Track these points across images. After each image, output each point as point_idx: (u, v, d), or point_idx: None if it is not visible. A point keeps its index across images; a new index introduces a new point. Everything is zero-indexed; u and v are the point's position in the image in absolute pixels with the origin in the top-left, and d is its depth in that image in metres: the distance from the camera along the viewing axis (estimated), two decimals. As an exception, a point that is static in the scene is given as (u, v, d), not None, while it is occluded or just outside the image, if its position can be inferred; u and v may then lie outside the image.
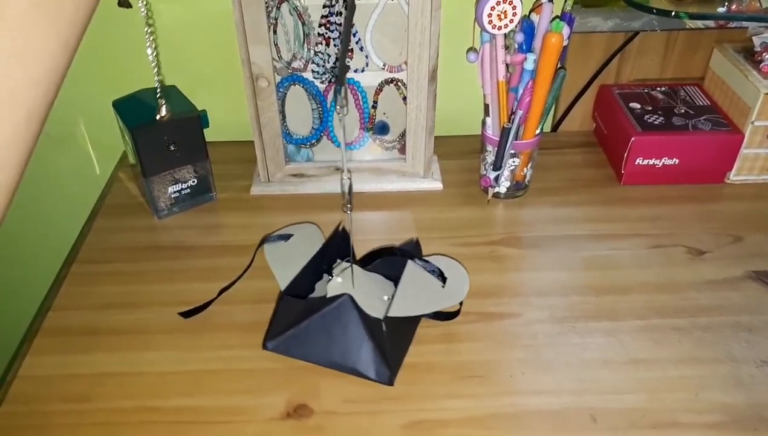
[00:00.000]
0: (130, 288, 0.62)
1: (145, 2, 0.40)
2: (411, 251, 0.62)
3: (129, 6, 0.43)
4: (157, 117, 0.47)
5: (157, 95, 0.46)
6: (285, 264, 0.59)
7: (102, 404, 0.52)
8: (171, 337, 0.57)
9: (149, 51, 0.43)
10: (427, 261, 0.59)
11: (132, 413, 0.51)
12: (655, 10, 0.66)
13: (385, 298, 0.58)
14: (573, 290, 0.61)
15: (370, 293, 0.58)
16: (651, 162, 0.72)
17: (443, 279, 0.57)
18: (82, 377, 0.54)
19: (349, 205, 0.52)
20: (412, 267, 0.58)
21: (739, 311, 0.58)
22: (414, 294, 0.55)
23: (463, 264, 0.60)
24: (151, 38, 0.44)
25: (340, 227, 0.62)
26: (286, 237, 0.62)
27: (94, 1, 0.29)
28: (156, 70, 0.46)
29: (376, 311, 0.54)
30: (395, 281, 0.60)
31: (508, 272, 0.63)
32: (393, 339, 0.53)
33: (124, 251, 0.67)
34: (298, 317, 0.54)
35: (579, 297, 0.60)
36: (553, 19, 0.62)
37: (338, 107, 0.47)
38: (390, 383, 0.52)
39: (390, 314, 0.53)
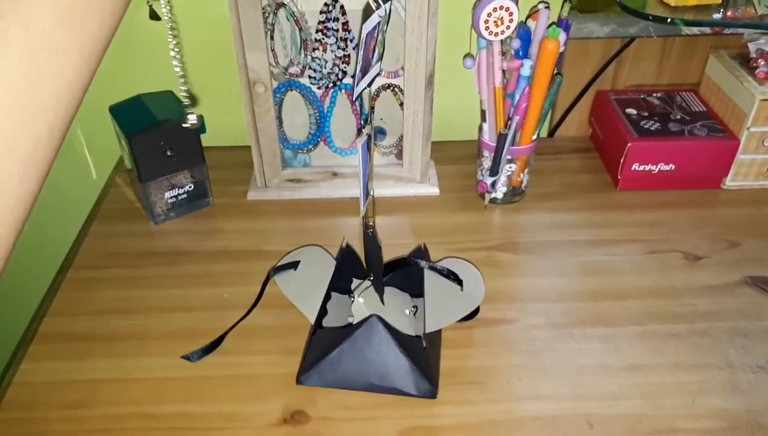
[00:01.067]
0: (126, 294, 0.62)
1: (170, 16, 0.40)
2: (421, 258, 0.61)
3: (158, 18, 0.42)
4: (187, 125, 0.47)
5: (184, 104, 0.47)
6: (304, 294, 0.57)
7: (98, 410, 0.52)
8: (168, 343, 0.57)
9: (175, 63, 0.43)
10: (440, 267, 0.59)
11: (128, 419, 0.51)
12: (651, 17, 0.67)
13: (407, 311, 0.58)
14: (570, 296, 0.61)
15: (391, 309, 0.58)
16: (647, 168, 0.72)
17: (459, 282, 0.57)
18: (78, 383, 0.54)
19: (371, 225, 0.52)
20: (429, 276, 0.58)
21: (736, 316, 0.58)
22: (441, 304, 0.55)
23: (472, 263, 0.60)
24: (176, 49, 0.43)
25: (344, 244, 0.62)
26: (295, 265, 0.60)
27: (118, 17, 0.28)
28: (182, 80, 0.46)
29: (402, 327, 0.54)
30: (410, 292, 0.60)
31: (505, 278, 0.63)
32: (429, 351, 0.53)
33: (120, 256, 0.67)
34: (328, 346, 0.53)
35: (576, 303, 0.60)
36: (550, 25, 0.63)
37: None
38: (434, 396, 0.52)
39: (428, 330, 0.53)
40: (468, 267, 0.60)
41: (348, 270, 0.60)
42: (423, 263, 0.59)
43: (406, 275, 0.59)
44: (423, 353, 0.53)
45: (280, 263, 0.60)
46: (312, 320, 0.53)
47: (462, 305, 0.56)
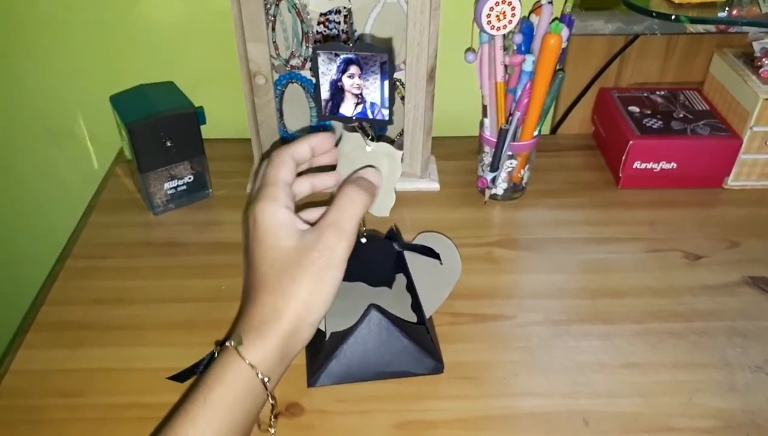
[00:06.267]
0: (124, 284, 0.62)
1: None
2: (396, 241, 0.61)
3: None
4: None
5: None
6: None
7: (94, 399, 0.52)
8: (164, 333, 0.57)
9: None
10: (415, 245, 0.59)
11: (124, 409, 0.51)
12: (654, 14, 0.66)
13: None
14: (568, 293, 0.61)
15: (384, 295, 0.59)
16: (649, 166, 0.72)
17: (436, 256, 0.58)
18: (74, 372, 0.54)
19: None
20: (410, 258, 0.58)
21: (735, 316, 0.58)
22: (429, 284, 0.56)
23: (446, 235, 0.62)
24: None
25: None
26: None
27: None
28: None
29: (399, 309, 0.55)
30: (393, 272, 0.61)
31: (504, 274, 0.63)
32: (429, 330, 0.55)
33: (119, 246, 0.67)
34: (333, 346, 0.53)
35: (574, 300, 0.60)
36: (553, 20, 0.62)
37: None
38: (441, 371, 0.53)
39: (428, 315, 0.54)
40: (440, 239, 0.60)
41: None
42: (397, 246, 0.59)
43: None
44: (423, 333, 0.54)
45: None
46: (322, 326, 0.53)
47: (446, 279, 0.58)
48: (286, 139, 0.74)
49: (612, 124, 0.76)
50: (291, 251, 0.41)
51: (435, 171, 0.76)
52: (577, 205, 0.72)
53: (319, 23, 0.66)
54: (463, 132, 0.82)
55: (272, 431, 0.44)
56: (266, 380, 0.40)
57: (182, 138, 0.67)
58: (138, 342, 0.56)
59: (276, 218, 0.42)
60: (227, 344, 0.41)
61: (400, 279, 0.60)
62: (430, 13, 0.62)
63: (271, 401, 0.42)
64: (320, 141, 0.47)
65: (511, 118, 0.66)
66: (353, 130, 0.48)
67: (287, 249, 0.41)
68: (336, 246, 0.41)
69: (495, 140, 0.67)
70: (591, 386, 0.52)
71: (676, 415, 0.50)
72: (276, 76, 0.69)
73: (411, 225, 0.69)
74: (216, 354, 0.42)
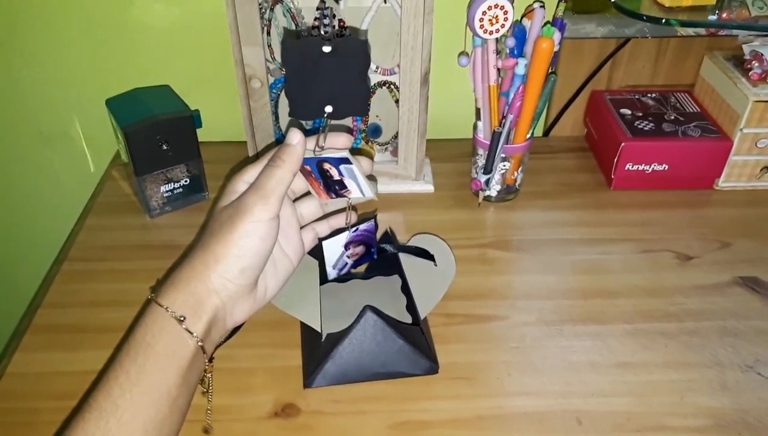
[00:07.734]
0: (120, 286, 0.62)
1: None
2: (391, 243, 0.61)
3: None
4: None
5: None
6: (300, 304, 0.55)
7: (90, 401, 0.52)
8: (160, 335, 0.57)
9: None
10: (410, 247, 0.60)
11: (120, 410, 0.51)
12: (645, 17, 0.67)
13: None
14: (561, 294, 0.61)
15: (379, 295, 0.59)
16: (641, 167, 0.73)
17: (431, 257, 0.58)
18: (70, 374, 0.54)
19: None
20: (405, 260, 0.59)
21: (726, 316, 0.59)
22: (423, 285, 0.57)
23: (440, 237, 0.62)
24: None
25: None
26: None
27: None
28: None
29: (394, 310, 0.56)
30: (389, 273, 0.62)
31: (497, 275, 0.64)
32: (423, 330, 0.55)
33: (115, 249, 0.67)
34: (329, 346, 0.53)
35: (567, 300, 0.61)
36: (545, 24, 0.63)
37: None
38: (436, 372, 0.54)
39: (423, 316, 0.55)
40: (435, 240, 0.61)
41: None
42: (392, 248, 0.60)
43: (380, 261, 0.60)
44: (418, 333, 0.54)
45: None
46: (318, 327, 0.53)
47: (441, 280, 0.58)
48: (282, 141, 0.74)
49: (604, 126, 0.77)
50: (220, 211, 0.46)
51: (429, 173, 0.76)
52: (570, 206, 0.73)
53: (313, 27, 0.66)
54: (457, 135, 0.83)
55: (208, 375, 0.47)
56: (181, 317, 0.42)
57: (178, 141, 0.67)
58: (134, 344, 0.56)
59: (232, 188, 0.47)
60: (149, 296, 0.44)
61: (395, 281, 0.61)
62: (423, 17, 0.62)
63: (199, 342, 0.43)
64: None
65: (504, 120, 0.67)
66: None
67: (219, 209, 0.47)
68: (251, 204, 0.44)
69: (488, 143, 0.67)
70: (584, 386, 0.53)
71: (668, 414, 0.50)
72: (271, 80, 0.69)
73: (405, 227, 0.69)
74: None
